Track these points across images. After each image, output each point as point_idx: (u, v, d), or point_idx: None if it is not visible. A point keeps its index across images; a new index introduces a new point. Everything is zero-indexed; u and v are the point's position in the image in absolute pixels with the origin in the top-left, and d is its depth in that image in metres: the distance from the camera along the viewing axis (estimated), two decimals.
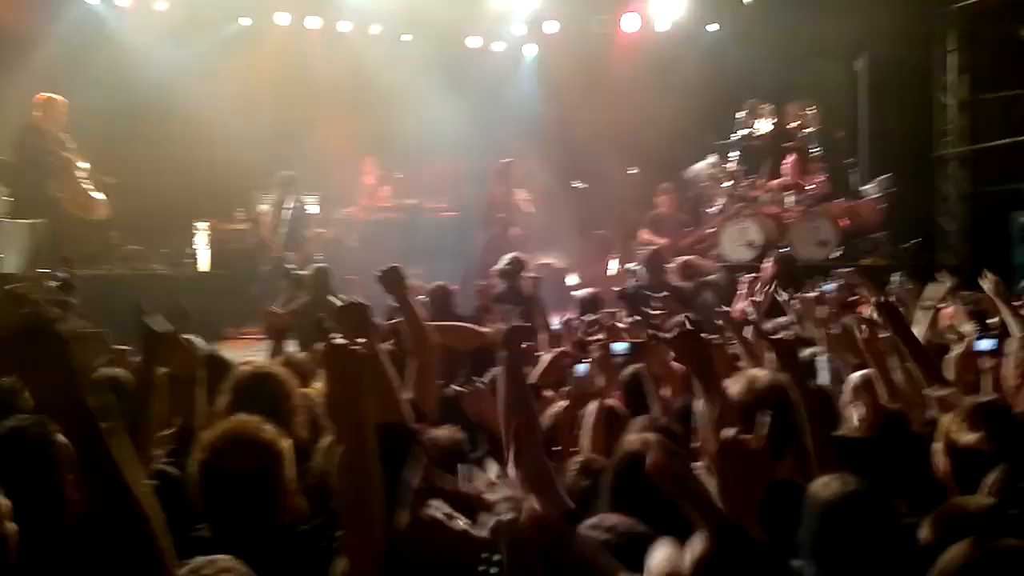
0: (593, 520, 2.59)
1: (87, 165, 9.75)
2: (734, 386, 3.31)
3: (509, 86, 13.05)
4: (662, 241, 11.04)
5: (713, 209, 11.38)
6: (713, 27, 12.90)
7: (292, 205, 10.73)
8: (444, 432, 3.29)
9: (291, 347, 5.67)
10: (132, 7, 11.38)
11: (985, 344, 4.33)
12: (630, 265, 10.36)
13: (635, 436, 3.11)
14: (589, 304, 7.33)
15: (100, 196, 9.79)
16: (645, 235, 11.37)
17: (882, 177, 11.35)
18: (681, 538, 2.17)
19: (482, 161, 12.32)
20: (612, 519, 2.55)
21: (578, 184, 11.54)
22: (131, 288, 8.79)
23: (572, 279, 11.15)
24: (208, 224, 10.74)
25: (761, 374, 3.52)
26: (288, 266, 9.27)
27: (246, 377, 3.57)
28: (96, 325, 6.35)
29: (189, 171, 11.31)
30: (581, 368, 4.37)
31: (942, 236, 12.33)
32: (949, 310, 5.72)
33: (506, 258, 8.04)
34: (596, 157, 12.05)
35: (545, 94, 12.84)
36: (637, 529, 2.48)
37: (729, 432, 2.24)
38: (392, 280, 3.84)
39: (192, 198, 11.20)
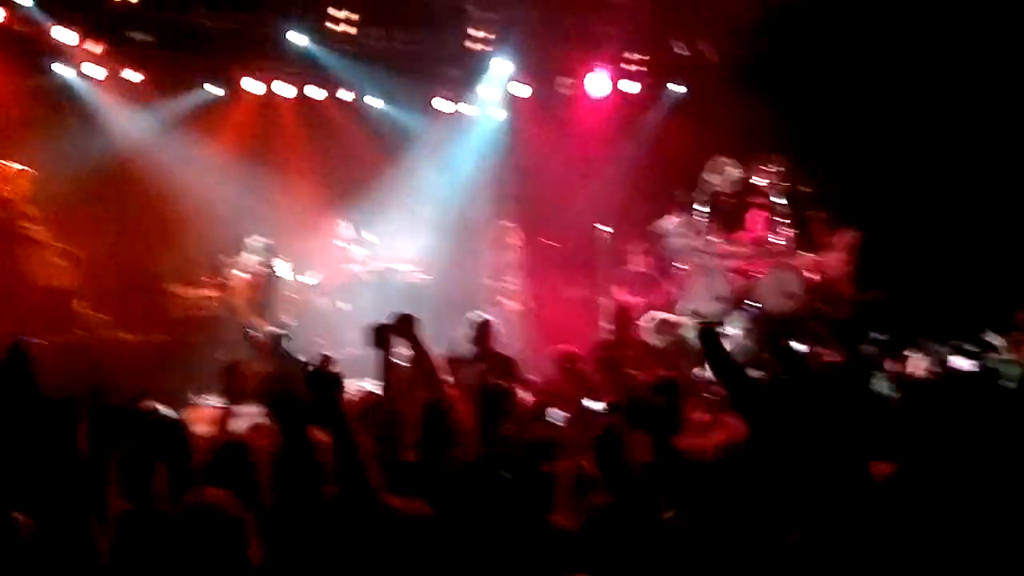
0: None
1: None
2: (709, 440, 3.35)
3: (477, 148, 13.15)
4: (636, 300, 11.06)
5: (682, 265, 11.44)
6: (676, 87, 13.09)
7: (261, 272, 10.72)
8: None
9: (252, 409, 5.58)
10: (106, 80, 11.44)
11: None
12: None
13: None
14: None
15: (63, 264, 9.75)
16: (618, 293, 11.40)
17: (848, 230, 11.46)
18: None
19: (454, 223, 12.40)
20: None
21: (549, 243, 11.60)
22: (93, 356, 8.71)
23: None
24: (175, 290, 10.67)
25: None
26: (248, 331, 9.23)
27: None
28: (56, 393, 6.27)
29: (158, 238, 11.30)
30: (555, 413, 4.40)
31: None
32: None
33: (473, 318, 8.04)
34: (564, 215, 12.12)
35: (512, 156, 12.94)
36: None
37: None
38: (405, 326, 4.19)
39: (161, 265, 11.17)
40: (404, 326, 4.18)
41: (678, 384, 4.91)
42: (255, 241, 10.94)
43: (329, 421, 3.13)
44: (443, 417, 4.01)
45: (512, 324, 10.98)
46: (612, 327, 9.58)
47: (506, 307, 11.22)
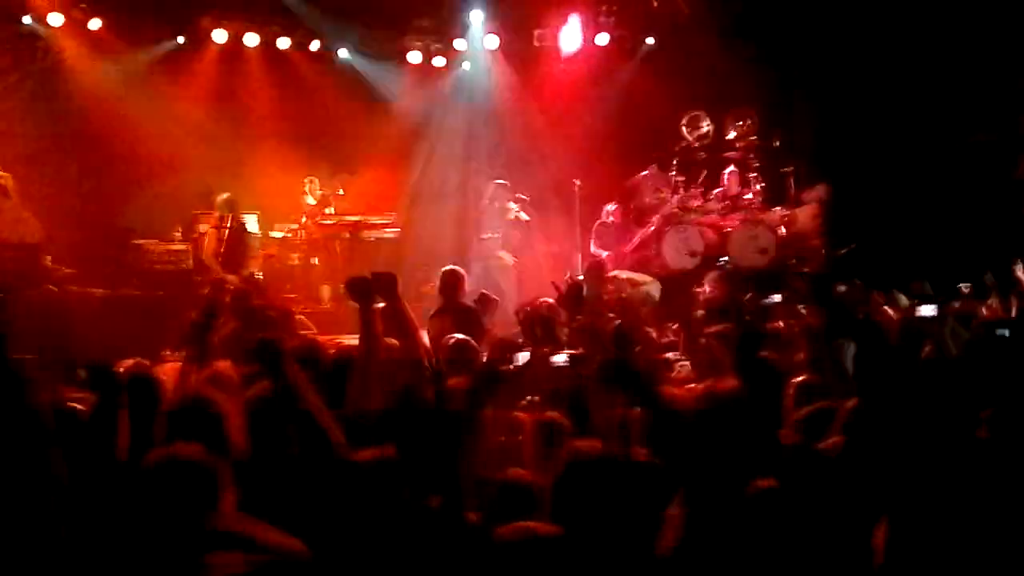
0: None
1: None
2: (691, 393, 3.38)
3: (449, 102, 13.04)
4: (607, 252, 11.11)
5: (655, 219, 11.46)
6: (649, 40, 13.01)
7: (230, 225, 10.61)
8: None
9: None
10: (65, 26, 11.16)
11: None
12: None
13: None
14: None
15: (30, 219, 9.61)
16: (592, 246, 11.44)
17: (819, 184, 11.53)
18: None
19: (424, 176, 12.34)
20: None
21: (521, 196, 11.56)
22: (63, 310, 8.62)
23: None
24: (144, 244, 10.55)
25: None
26: (216, 284, 9.15)
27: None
28: (27, 348, 6.20)
29: (127, 192, 11.15)
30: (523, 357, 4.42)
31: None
32: None
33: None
34: (538, 170, 12.07)
35: (486, 109, 12.84)
36: None
37: None
38: (388, 284, 4.11)
39: (130, 219, 11.04)
40: (385, 284, 4.14)
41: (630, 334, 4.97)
42: (223, 195, 10.81)
43: (280, 388, 3.12)
44: (420, 374, 4.02)
45: (495, 276, 11.00)
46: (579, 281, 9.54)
47: (490, 260, 11.20)
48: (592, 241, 11.54)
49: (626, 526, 2.68)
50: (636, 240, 11.47)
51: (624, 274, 10.26)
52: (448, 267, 7.96)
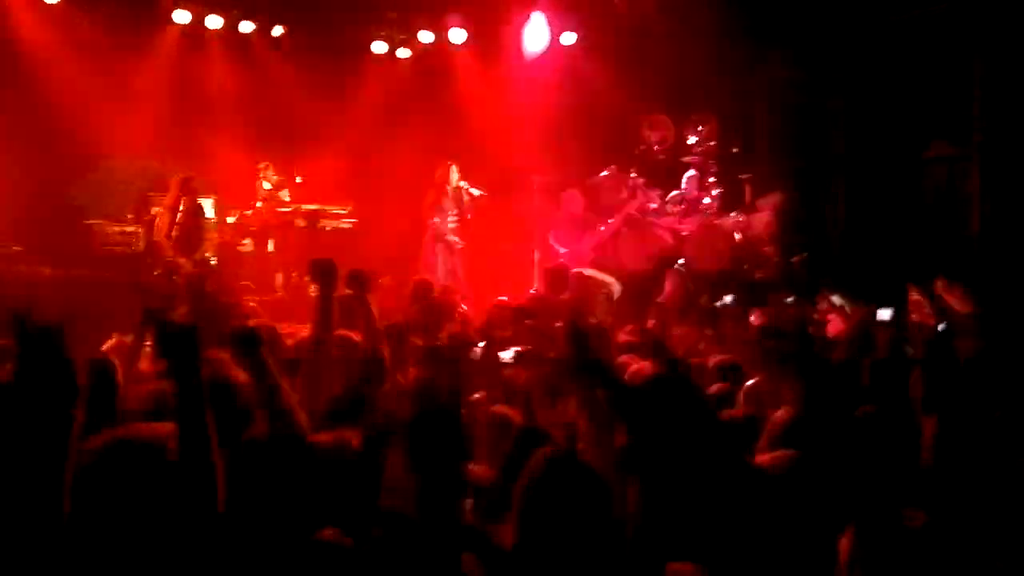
0: None
1: None
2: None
3: (413, 94, 13.00)
4: (564, 249, 11.11)
5: (612, 220, 11.51)
6: (623, 39, 13.05)
7: (184, 207, 10.48)
8: None
9: None
10: (23, 2, 10.93)
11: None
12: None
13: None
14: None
15: None
16: (552, 238, 11.41)
17: (775, 192, 11.67)
18: None
19: (383, 167, 12.29)
20: None
21: (478, 192, 11.56)
22: (10, 289, 8.46)
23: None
24: (96, 225, 10.40)
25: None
26: (169, 269, 9.06)
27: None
28: None
29: (80, 172, 10.98)
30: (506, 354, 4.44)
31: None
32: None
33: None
34: (497, 166, 12.07)
35: (448, 102, 12.82)
36: None
37: None
38: (325, 271, 3.98)
39: (82, 199, 10.87)
40: (323, 270, 4.08)
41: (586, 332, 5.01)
42: (181, 177, 10.67)
43: (257, 375, 3.08)
44: (380, 365, 4.02)
45: (450, 261, 11.02)
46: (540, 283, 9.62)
47: (448, 243, 11.23)
48: (551, 233, 11.47)
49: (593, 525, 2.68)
50: (595, 241, 11.44)
51: (588, 271, 10.27)
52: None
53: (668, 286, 8.80)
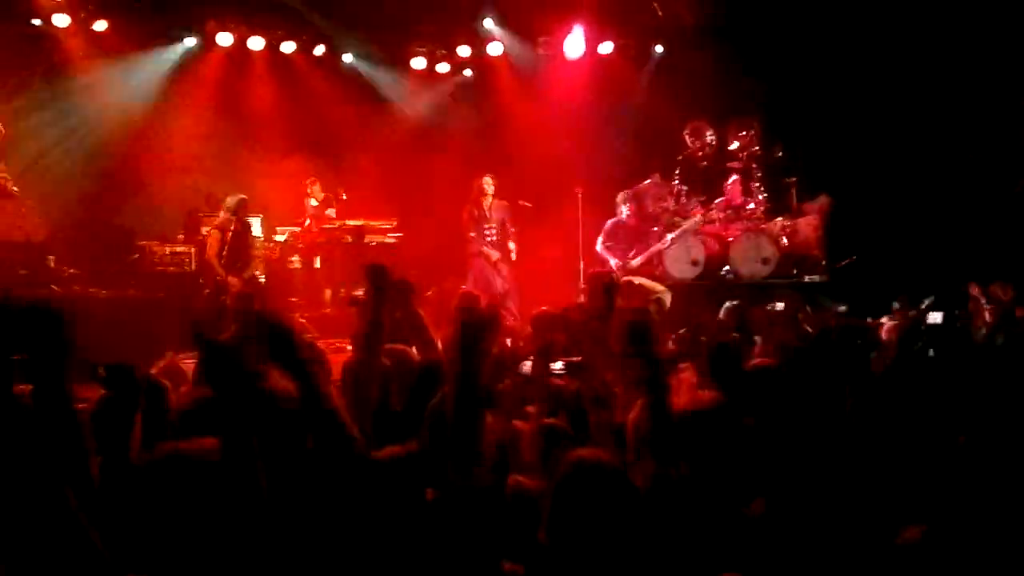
0: None
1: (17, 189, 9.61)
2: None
3: (453, 108, 13.09)
4: (615, 260, 11.02)
5: (656, 228, 11.45)
6: (658, 49, 13.06)
7: (234, 228, 10.59)
8: None
9: None
10: (71, 27, 11.18)
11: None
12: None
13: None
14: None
15: (35, 219, 9.65)
16: (602, 251, 11.32)
17: (821, 196, 11.55)
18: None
19: (426, 182, 12.38)
20: None
21: (524, 203, 11.57)
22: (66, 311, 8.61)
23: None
24: (148, 246, 10.57)
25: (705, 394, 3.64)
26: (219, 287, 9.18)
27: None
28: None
29: (130, 194, 11.19)
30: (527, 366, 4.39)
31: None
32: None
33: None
34: (540, 177, 12.09)
35: (490, 115, 12.89)
36: None
37: None
38: (379, 277, 3.83)
39: (133, 220, 11.07)
40: (377, 274, 3.99)
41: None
42: (228, 196, 10.77)
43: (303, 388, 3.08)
44: (438, 374, 4.01)
45: (493, 275, 11.04)
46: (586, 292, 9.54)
47: (489, 257, 11.23)
48: (601, 239, 11.37)
49: (624, 534, 2.69)
50: (643, 257, 11.29)
51: (637, 280, 10.17)
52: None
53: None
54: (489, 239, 11.27)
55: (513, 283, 11.31)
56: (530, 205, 11.61)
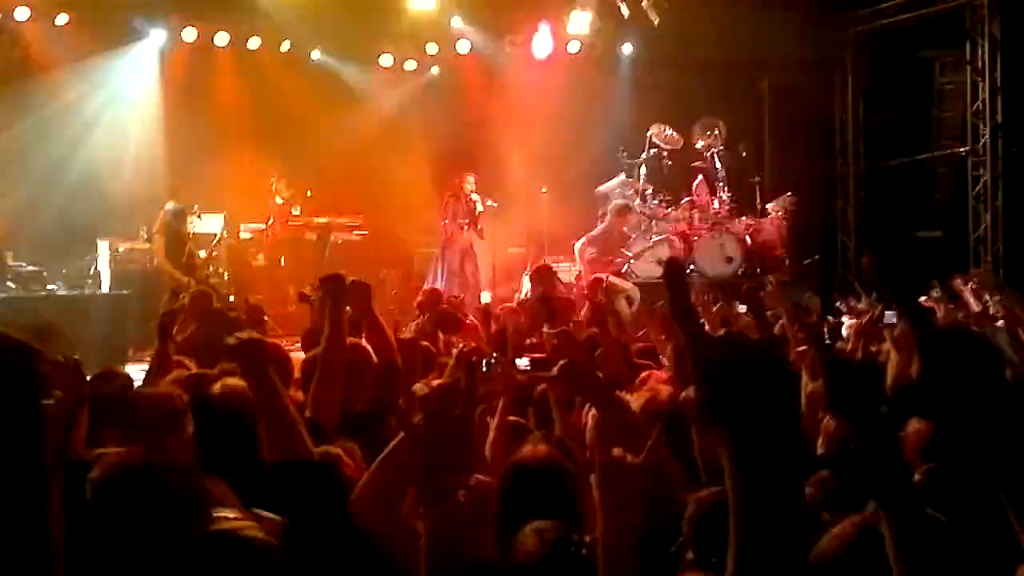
0: None
1: None
2: (636, 401, 3.40)
3: (420, 105, 13.05)
4: (587, 268, 10.91)
5: (625, 228, 11.48)
6: (627, 48, 13.11)
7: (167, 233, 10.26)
8: None
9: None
10: (31, 20, 11.01)
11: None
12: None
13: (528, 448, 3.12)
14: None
15: None
16: (582, 250, 11.27)
17: (785, 195, 11.66)
18: None
19: (393, 179, 12.35)
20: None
21: (490, 203, 11.57)
22: (26, 309, 8.52)
23: (485, 296, 11.17)
24: (109, 243, 10.43)
25: (662, 389, 3.65)
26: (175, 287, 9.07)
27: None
28: None
29: (91, 189, 11.04)
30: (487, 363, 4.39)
31: (842, 252, 12.75)
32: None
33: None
34: (507, 176, 12.11)
35: (457, 113, 12.87)
36: None
37: (615, 451, 2.25)
38: (334, 284, 3.90)
39: (94, 217, 10.92)
40: (360, 293, 4.07)
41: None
42: (169, 205, 10.47)
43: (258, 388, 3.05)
44: (395, 376, 4.02)
45: (462, 264, 11.10)
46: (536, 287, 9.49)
47: (461, 246, 11.26)
48: (584, 242, 11.33)
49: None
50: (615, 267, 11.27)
51: (610, 278, 10.12)
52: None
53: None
54: (463, 232, 11.31)
55: (475, 279, 11.32)
56: (496, 204, 11.62)
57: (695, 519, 2.53)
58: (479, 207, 11.35)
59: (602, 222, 11.56)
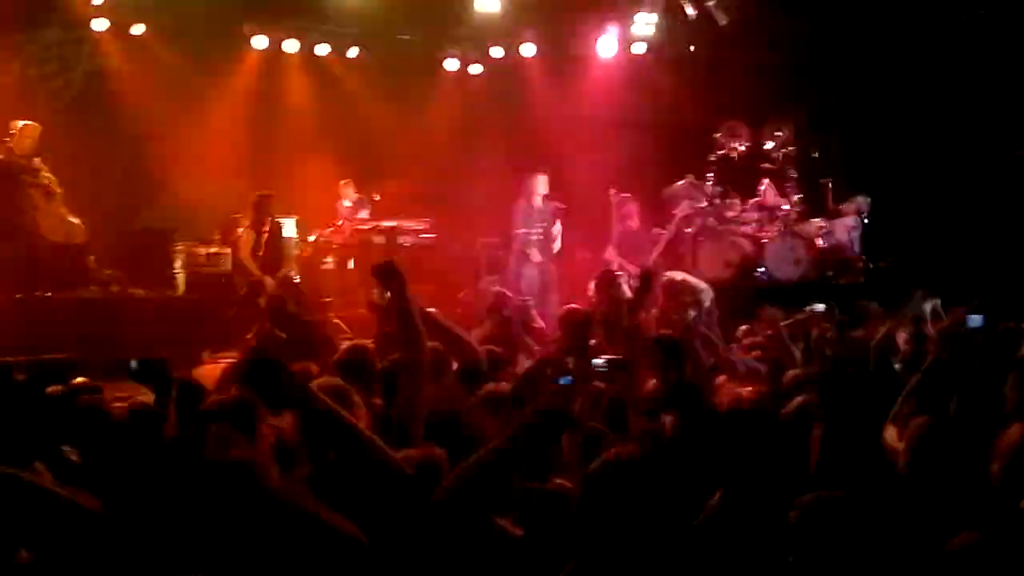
0: None
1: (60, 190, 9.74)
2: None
3: (486, 109, 13.10)
4: (630, 267, 10.76)
5: (690, 229, 11.39)
6: (693, 49, 13.00)
7: (267, 228, 10.62)
8: None
9: None
10: (109, 31, 11.32)
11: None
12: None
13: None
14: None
15: (76, 220, 9.78)
16: (611, 255, 11.19)
17: (856, 197, 11.46)
18: None
19: (460, 182, 12.41)
20: None
21: (559, 205, 11.51)
22: (106, 312, 8.75)
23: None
24: (185, 247, 10.67)
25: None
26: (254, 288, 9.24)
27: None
28: (70, 349, 6.31)
29: (167, 195, 11.30)
30: (565, 379, 4.34)
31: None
32: None
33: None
34: (575, 178, 12.07)
35: (522, 116, 12.89)
36: None
37: None
38: (388, 272, 3.72)
39: (170, 222, 11.17)
40: (387, 272, 3.76)
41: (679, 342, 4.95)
42: (259, 196, 10.79)
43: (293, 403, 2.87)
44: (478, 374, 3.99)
45: (531, 275, 10.95)
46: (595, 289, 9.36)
47: (530, 256, 11.12)
48: (611, 248, 11.25)
49: (655, 531, 2.67)
50: (661, 245, 11.15)
51: (679, 275, 9.90)
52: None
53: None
54: (536, 238, 11.10)
55: (553, 285, 11.14)
56: (564, 207, 11.56)
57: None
58: (552, 208, 11.13)
59: (670, 223, 11.46)
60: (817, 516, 2.63)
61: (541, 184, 11.06)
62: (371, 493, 2.66)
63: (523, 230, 11.03)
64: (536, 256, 11.01)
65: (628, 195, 11.36)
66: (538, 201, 11.03)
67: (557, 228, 11.08)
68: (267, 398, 2.85)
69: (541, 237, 11.03)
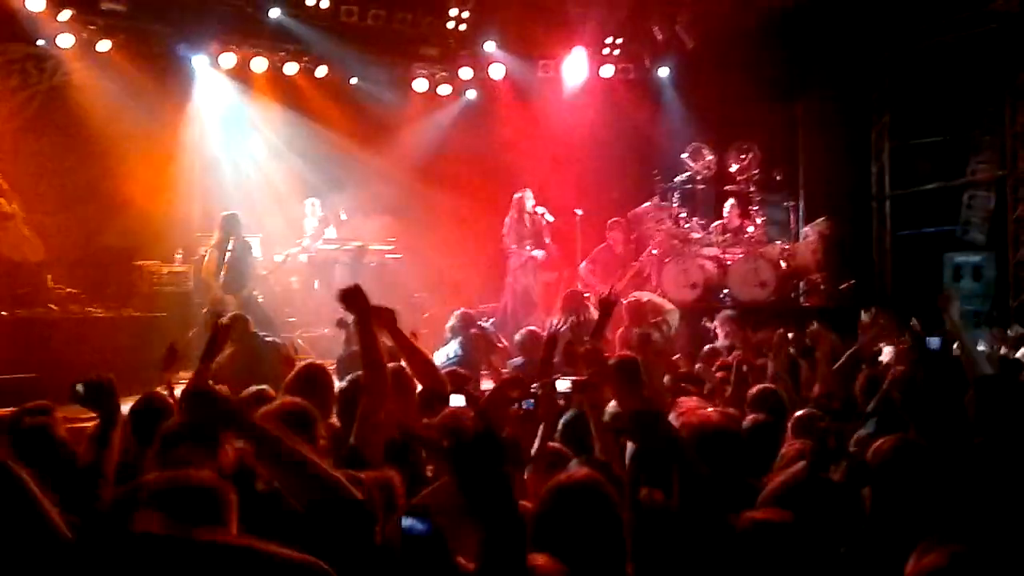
0: None
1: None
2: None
3: (455, 130, 13.11)
4: (601, 286, 10.84)
5: (654, 251, 11.46)
6: (661, 72, 13.11)
7: (232, 246, 10.52)
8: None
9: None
10: (75, 47, 11.18)
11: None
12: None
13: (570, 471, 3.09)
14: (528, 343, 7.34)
15: (33, 237, 9.64)
16: (586, 274, 11.34)
17: (819, 220, 11.57)
18: None
19: (428, 203, 12.40)
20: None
21: (546, 217, 11.53)
22: (64, 331, 8.62)
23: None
24: (145, 265, 10.55)
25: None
26: (211, 312, 9.11)
27: None
28: (27, 368, 6.20)
29: (129, 213, 11.17)
30: (528, 403, 4.32)
31: (879, 276, 12.59)
32: None
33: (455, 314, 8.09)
34: (541, 198, 12.11)
35: (491, 137, 12.91)
36: None
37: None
38: (353, 298, 3.72)
39: (132, 240, 11.04)
40: (352, 296, 3.76)
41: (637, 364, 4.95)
42: (226, 215, 10.69)
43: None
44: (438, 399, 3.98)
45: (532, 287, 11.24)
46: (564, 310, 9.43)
47: (535, 259, 11.31)
48: (586, 263, 11.42)
49: (604, 554, 2.66)
50: (628, 275, 11.34)
51: (646, 296, 10.01)
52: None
53: (721, 328, 8.51)
54: (529, 251, 11.31)
55: (539, 300, 11.36)
56: (552, 219, 11.60)
57: None
58: (546, 218, 11.30)
59: (634, 245, 11.57)
60: (763, 537, 2.64)
61: (528, 199, 11.25)
62: (318, 519, 2.62)
63: (515, 245, 11.19)
64: (539, 254, 11.21)
65: (618, 219, 11.55)
66: (527, 217, 11.21)
67: (544, 247, 11.29)
68: (204, 427, 2.83)
69: (532, 249, 11.24)
